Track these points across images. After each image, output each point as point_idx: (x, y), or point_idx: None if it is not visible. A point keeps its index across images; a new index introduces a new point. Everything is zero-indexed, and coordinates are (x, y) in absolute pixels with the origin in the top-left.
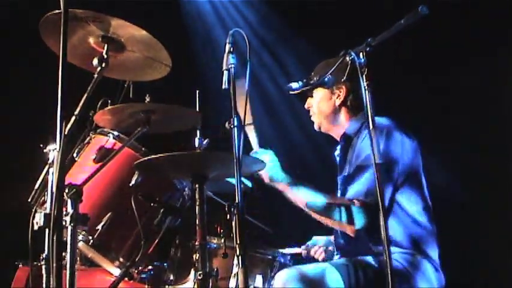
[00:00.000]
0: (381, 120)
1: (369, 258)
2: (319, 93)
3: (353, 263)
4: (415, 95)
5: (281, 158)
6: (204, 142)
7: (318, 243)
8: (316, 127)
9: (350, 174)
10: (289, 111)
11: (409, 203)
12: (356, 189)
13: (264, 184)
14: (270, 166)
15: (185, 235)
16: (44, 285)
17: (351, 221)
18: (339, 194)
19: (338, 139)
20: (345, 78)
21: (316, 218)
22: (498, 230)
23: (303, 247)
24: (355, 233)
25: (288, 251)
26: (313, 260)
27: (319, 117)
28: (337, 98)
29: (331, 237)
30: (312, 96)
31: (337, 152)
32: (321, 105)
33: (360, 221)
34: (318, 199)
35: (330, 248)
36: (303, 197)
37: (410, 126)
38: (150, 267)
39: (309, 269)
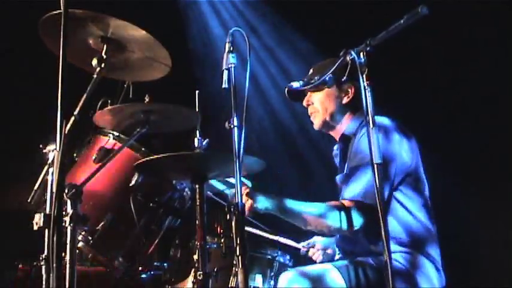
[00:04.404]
0: (380, 120)
1: (370, 259)
2: (324, 90)
3: (354, 264)
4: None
5: (279, 160)
6: (204, 142)
7: (317, 244)
8: (316, 126)
9: (348, 173)
10: (289, 111)
11: (409, 201)
12: (353, 190)
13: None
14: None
15: (185, 235)
16: (44, 285)
17: (350, 223)
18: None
19: (337, 139)
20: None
21: (315, 230)
22: (498, 230)
23: (302, 243)
24: (354, 233)
25: (285, 241)
26: (311, 260)
27: (323, 115)
28: (345, 96)
29: (332, 239)
30: (312, 92)
31: (334, 152)
32: (327, 103)
33: (357, 222)
34: (311, 209)
35: (329, 250)
36: (297, 212)
37: (409, 126)
38: (150, 267)
39: (312, 269)
